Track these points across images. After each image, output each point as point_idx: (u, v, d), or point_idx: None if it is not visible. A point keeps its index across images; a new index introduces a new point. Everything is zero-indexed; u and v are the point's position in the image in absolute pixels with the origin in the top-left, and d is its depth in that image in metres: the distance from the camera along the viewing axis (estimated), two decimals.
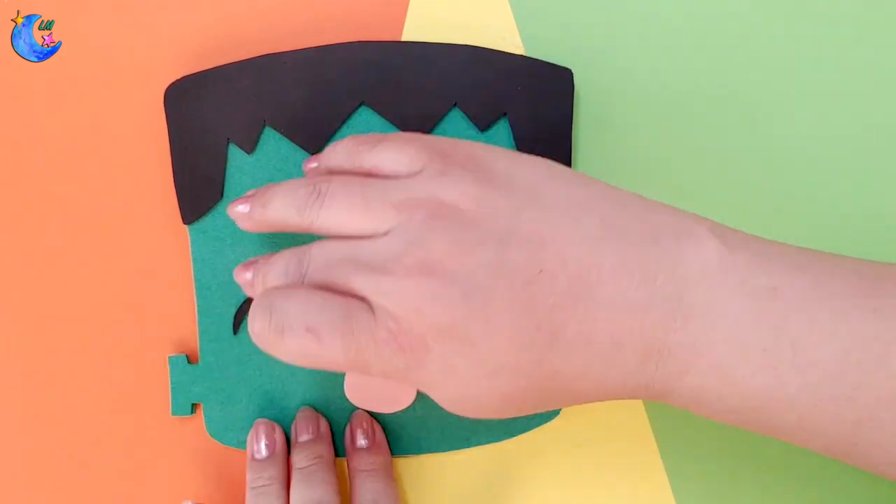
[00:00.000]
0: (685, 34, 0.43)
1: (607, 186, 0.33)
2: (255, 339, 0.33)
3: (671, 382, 0.32)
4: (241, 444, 0.41)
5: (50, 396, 0.42)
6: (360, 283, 0.31)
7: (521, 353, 0.31)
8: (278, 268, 0.33)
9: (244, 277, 0.35)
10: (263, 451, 0.40)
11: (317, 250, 0.33)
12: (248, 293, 0.35)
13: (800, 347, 0.30)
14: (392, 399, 0.41)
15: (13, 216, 0.43)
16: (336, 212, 0.33)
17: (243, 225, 0.36)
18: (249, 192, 0.36)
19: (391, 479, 0.40)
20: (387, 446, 0.41)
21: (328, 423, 0.41)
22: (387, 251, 0.31)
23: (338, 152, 0.35)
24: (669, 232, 0.31)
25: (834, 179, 0.43)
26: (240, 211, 0.35)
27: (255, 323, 0.33)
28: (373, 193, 0.32)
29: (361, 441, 0.41)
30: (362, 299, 0.31)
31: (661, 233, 0.31)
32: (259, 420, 0.41)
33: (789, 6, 0.43)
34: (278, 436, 0.41)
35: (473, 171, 0.32)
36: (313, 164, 0.37)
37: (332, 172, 0.35)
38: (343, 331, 0.31)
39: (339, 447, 0.42)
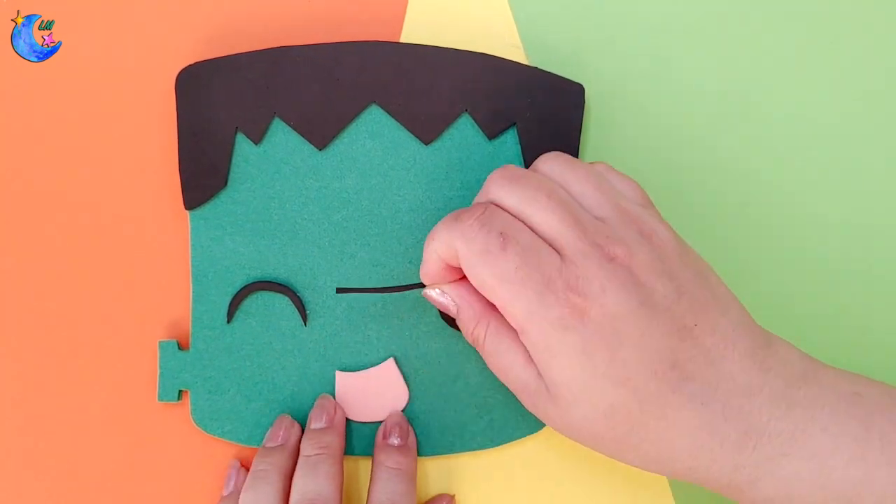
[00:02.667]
0: (692, 44, 0.43)
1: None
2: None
3: (763, 466, 0.34)
4: (226, 434, 0.41)
5: (32, 374, 0.42)
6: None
7: (649, 379, 0.33)
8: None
9: None
10: (275, 441, 0.40)
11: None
12: None
13: (886, 440, 0.33)
14: (382, 409, 0.41)
15: (13, 216, 0.42)
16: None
17: None
18: None
19: (413, 484, 0.40)
20: (416, 452, 0.41)
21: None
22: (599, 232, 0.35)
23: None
24: (777, 339, 0.36)
25: (837, 181, 0.43)
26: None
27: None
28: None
29: (394, 439, 0.40)
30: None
31: (772, 338, 0.36)
32: (283, 415, 0.41)
33: (803, 17, 0.43)
34: (294, 432, 0.40)
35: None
36: None
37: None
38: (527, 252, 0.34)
39: None
